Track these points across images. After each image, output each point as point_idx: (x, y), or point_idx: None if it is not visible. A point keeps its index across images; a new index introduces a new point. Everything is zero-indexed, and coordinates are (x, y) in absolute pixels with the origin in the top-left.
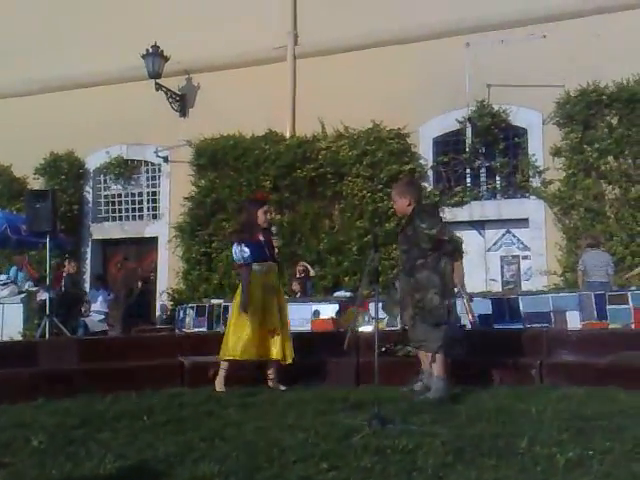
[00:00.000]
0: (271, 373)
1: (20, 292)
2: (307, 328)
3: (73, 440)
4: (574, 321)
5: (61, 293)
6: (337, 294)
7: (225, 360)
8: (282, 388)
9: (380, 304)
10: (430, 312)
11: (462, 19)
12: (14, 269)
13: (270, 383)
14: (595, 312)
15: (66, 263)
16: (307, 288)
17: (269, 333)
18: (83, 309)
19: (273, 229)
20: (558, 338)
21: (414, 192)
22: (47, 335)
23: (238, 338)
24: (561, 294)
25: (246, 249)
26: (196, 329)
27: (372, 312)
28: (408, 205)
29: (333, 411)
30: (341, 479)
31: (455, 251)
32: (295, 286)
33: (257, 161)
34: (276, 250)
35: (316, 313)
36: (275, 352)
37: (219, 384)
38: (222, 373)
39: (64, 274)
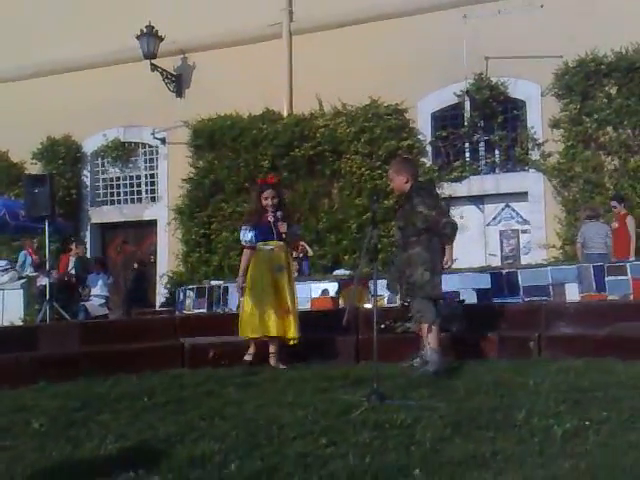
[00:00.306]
0: (272, 352)
1: (20, 277)
2: (307, 306)
3: (74, 422)
4: (573, 293)
5: (62, 277)
6: (337, 272)
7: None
8: (282, 367)
9: (385, 282)
10: (421, 287)
11: None
12: (23, 253)
13: (271, 361)
14: (594, 284)
15: (73, 246)
16: (304, 268)
17: (284, 312)
18: (83, 293)
19: (279, 214)
20: (556, 311)
21: (411, 169)
22: (48, 320)
23: (240, 317)
24: (560, 267)
25: (249, 233)
26: (196, 310)
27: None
28: (406, 182)
29: (333, 388)
30: (340, 454)
31: (452, 234)
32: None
33: (255, 141)
34: (282, 230)
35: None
36: (290, 331)
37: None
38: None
39: (71, 257)
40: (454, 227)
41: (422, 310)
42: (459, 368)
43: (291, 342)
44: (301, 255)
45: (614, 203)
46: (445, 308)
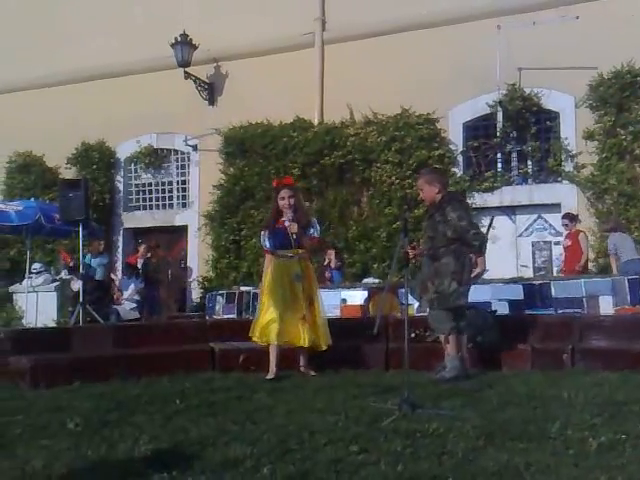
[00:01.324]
0: (302, 359)
1: (54, 280)
2: (336, 314)
3: (108, 423)
4: (607, 306)
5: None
6: (366, 281)
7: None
8: (312, 374)
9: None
10: (447, 297)
11: (493, 1)
12: (89, 256)
13: (302, 369)
14: (628, 297)
15: (141, 248)
16: (335, 277)
17: (299, 321)
18: (115, 297)
19: (290, 215)
20: (590, 323)
21: (442, 179)
22: (80, 322)
23: (257, 321)
24: (594, 279)
25: (266, 238)
26: (225, 316)
27: (402, 298)
28: (437, 192)
29: (363, 395)
30: (371, 462)
31: (481, 245)
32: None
33: (285, 148)
34: (293, 231)
35: (344, 300)
36: (304, 339)
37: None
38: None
39: (139, 259)
40: (482, 239)
41: (438, 321)
42: (492, 379)
43: (314, 348)
44: (327, 263)
45: (565, 221)
46: (477, 319)
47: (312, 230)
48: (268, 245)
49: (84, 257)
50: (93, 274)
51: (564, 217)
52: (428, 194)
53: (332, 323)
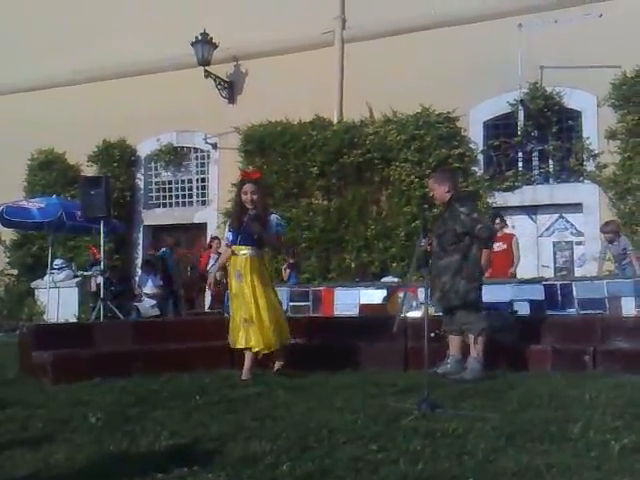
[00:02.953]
0: (246, 361)
1: (75, 276)
2: (355, 313)
3: (129, 418)
4: (629, 308)
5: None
6: (385, 279)
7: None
8: (244, 378)
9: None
10: (457, 295)
11: (514, 0)
12: (163, 250)
13: (243, 373)
14: None
15: (214, 243)
16: (291, 278)
17: (244, 322)
18: (136, 293)
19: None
20: (613, 325)
21: (453, 180)
22: (101, 318)
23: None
24: (616, 280)
25: (229, 233)
26: None
27: (421, 297)
28: (447, 192)
29: (382, 394)
30: (391, 460)
31: (489, 238)
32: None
33: (304, 147)
34: (255, 230)
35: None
36: (252, 341)
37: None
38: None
39: (212, 254)
40: (491, 231)
41: (468, 321)
42: (512, 379)
43: (261, 351)
44: (291, 261)
45: (498, 220)
46: (497, 319)
47: (277, 228)
48: (229, 239)
49: (162, 251)
50: (166, 268)
51: (496, 215)
52: (439, 194)
53: (351, 322)
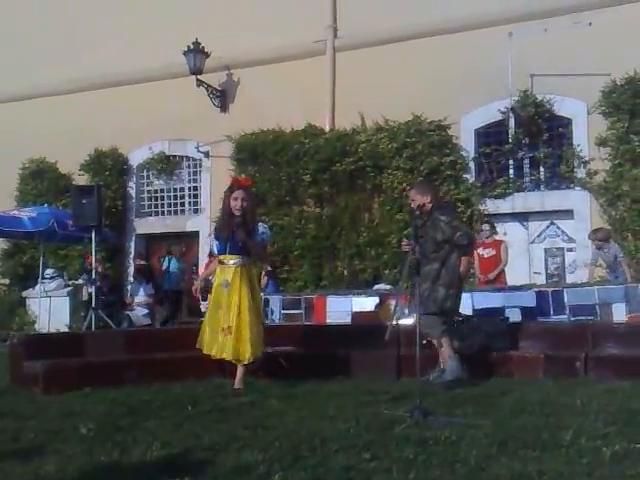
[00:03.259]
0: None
1: (66, 285)
2: (347, 321)
3: (120, 428)
4: (620, 314)
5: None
6: (377, 287)
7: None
8: (236, 387)
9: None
10: (434, 302)
11: (505, 8)
12: (173, 259)
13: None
14: None
15: None
16: (269, 287)
17: (223, 331)
18: (127, 302)
19: (236, 221)
20: (604, 331)
21: (433, 190)
22: (93, 328)
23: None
24: (607, 286)
25: (215, 242)
26: None
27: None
28: (429, 202)
29: (374, 403)
30: (383, 469)
31: (468, 245)
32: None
33: (297, 155)
34: (241, 238)
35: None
36: (227, 352)
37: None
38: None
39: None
40: (470, 238)
41: (429, 325)
42: (504, 386)
43: (235, 362)
44: (269, 269)
45: (487, 226)
46: (489, 326)
47: (262, 236)
48: (215, 250)
49: (165, 260)
50: (169, 278)
51: (486, 222)
52: (420, 204)
53: (343, 330)
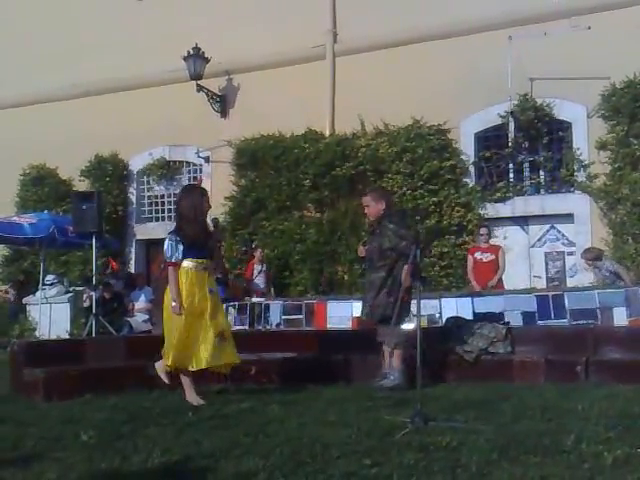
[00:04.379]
0: (189, 385)
1: (67, 292)
2: (347, 326)
3: (121, 435)
4: (621, 318)
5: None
6: None
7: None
8: (202, 403)
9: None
10: (378, 309)
11: (504, 12)
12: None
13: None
14: None
15: (257, 253)
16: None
17: (217, 337)
18: (128, 308)
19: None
20: (605, 335)
21: (388, 198)
22: (93, 334)
23: (170, 345)
24: (608, 290)
25: (179, 246)
26: (237, 327)
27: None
28: (383, 209)
29: (375, 408)
30: (384, 475)
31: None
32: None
33: (297, 160)
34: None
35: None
36: (227, 357)
37: (192, 398)
38: (188, 388)
39: (256, 265)
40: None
41: (385, 334)
42: (505, 391)
43: (223, 370)
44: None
45: (485, 230)
46: (491, 330)
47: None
48: (179, 254)
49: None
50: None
51: (484, 226)
52: (374, 210)
53: (343, 335)
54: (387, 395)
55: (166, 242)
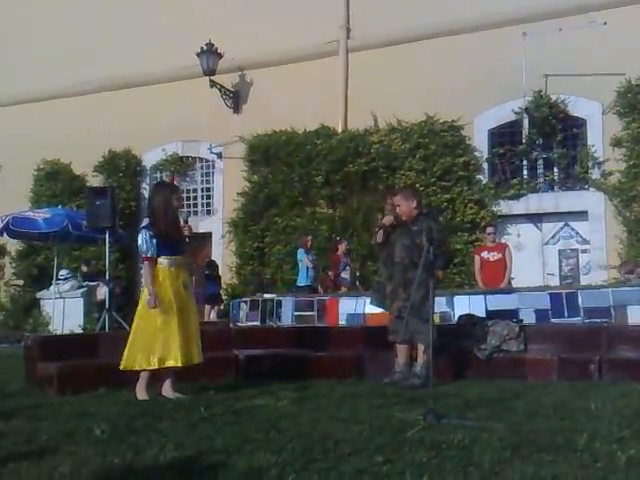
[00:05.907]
0: (169, 381)
1: (80, 287)
2: (360, 322)
3: (134, 430)
4: (636, 316)
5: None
6: None
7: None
8: (181, 395)
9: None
10: (419, 309)
11: (518, 8)
12: (302, 251)
13: (168, 392)
14: None
15: (342, 246)
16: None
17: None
18: None
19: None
20: (619, 333)
21: (418, 196)
22: (107, 329)
23: (144, 346)
24: (622, 288)
25: (152, 240)
26: (249, 323)
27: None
28: (415, 207)
29: (387, 405)
30: (396, 472)
31: (443, 265)
32: None
33: (309, 156)
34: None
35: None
36: (195, 356)
37: (140, 392)
38: (142, 382)
39: (341, 255)
40: (446, 258)
41: (422, 331)
42: (518, 389)
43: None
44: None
45: (492, 229)
46: (504, 328)
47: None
48: (153, 248)
49: (298, 251)
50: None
51: (491, 225)
52: (406, 209)
53: (355, 331)
54: (412, 392)
55: (140, 236)
